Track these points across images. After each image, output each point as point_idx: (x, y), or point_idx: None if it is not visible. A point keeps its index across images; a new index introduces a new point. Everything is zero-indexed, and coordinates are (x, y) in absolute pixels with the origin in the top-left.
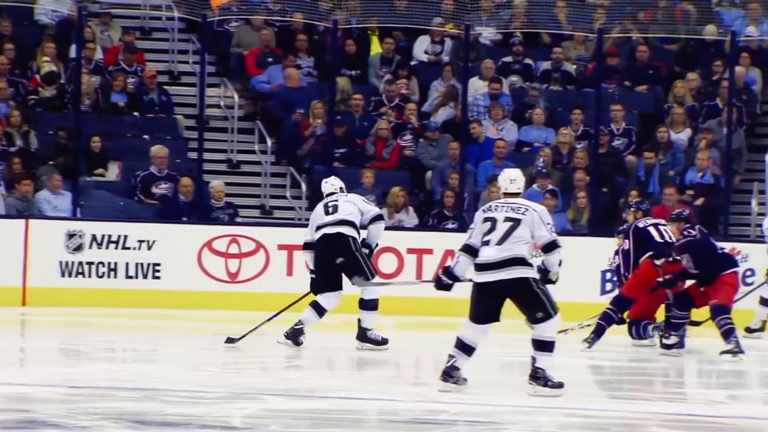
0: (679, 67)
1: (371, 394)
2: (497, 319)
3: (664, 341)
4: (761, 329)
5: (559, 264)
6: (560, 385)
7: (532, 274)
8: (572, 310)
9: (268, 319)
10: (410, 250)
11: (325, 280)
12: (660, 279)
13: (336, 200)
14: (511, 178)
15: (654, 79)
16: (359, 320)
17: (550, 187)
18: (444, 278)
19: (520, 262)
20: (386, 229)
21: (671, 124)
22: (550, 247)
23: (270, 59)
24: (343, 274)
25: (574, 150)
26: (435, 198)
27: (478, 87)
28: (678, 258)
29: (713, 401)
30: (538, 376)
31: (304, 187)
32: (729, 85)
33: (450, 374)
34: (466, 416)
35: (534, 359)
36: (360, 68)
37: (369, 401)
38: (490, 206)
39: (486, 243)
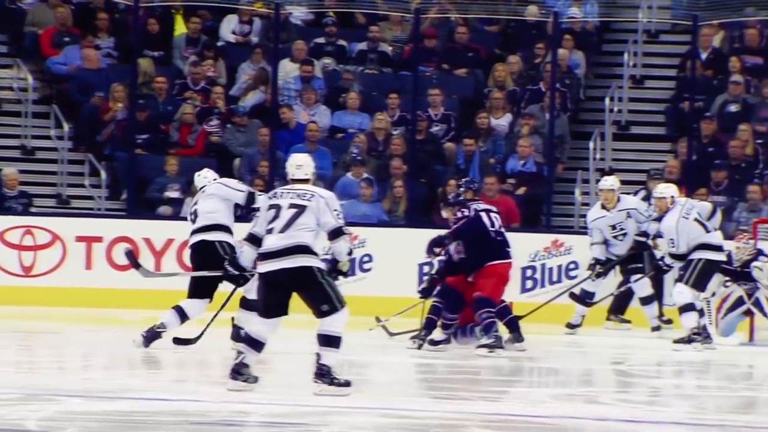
0: (500, 50)
1: (175, 395)
2: (285, 313)
3: (431, 339)
4: (580, 325)
5: (349, 253)
6: (347, 384)
7: (316, 263)
8: (388, 305)
9: (213, 318)
10: None
11: (194, 286)
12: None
13: (196, 202)
14: (298, 163)
15: (473, 62)
16: (233, 318)
17: (366, 175)
18: (230, 269)
19: (304, 250)
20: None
21: (491, 109)
22: (336, 233)
23: (67, 39)
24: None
25: (391, 136)
26: None
27: (289, 70)
28: (444, 249)
29: (535, 400)
30: (323, 374)
31: (103, 175)
32: (551, 68)
33: (239, 372)
34: (276, 417)
35: (319, 356)
36: (163, 49)
37: (173, 402)
38: (276, 193)
39: (270, 231)
